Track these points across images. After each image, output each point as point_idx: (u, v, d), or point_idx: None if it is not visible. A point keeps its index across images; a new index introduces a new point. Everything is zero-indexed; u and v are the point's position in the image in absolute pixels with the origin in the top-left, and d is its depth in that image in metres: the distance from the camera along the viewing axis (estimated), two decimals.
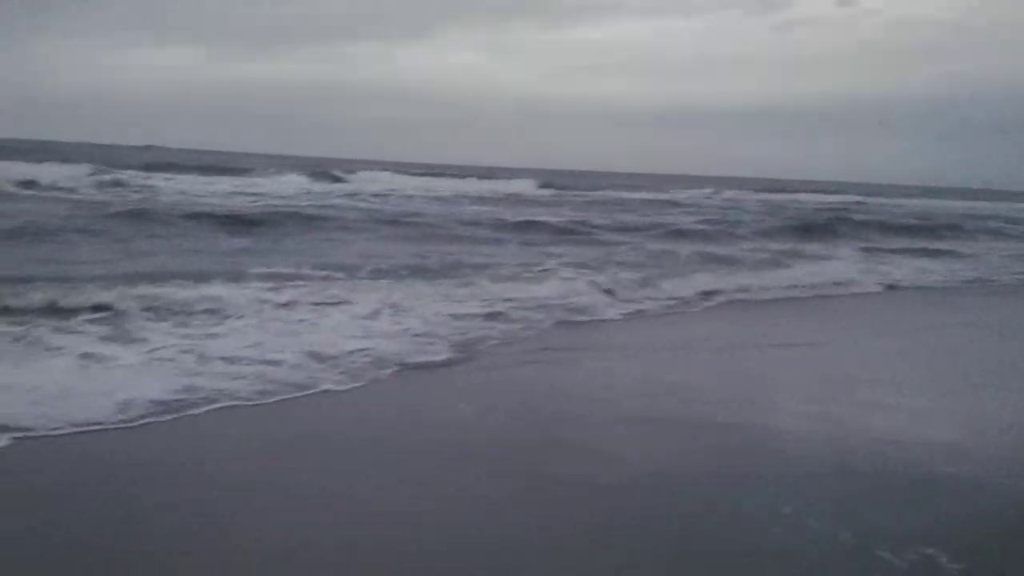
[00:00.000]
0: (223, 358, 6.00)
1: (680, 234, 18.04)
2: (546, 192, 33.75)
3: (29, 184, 20.98)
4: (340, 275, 9.64)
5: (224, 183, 26.33)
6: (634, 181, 52.89)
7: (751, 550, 3.31)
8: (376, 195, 25.48)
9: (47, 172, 23.95)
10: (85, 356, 5.81)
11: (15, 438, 4.14)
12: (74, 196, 19.39)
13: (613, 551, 3.25)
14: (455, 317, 7.94)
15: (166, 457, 4.12)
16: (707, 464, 4.28)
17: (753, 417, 5.14)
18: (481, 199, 27.83)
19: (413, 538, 3.33)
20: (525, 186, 34.83)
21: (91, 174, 24.09)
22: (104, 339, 6.37)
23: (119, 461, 4.05)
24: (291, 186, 27.38)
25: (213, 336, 6.70)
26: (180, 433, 4.46)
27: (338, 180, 31.42)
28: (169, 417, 4.62)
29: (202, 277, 8.73)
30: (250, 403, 5.02)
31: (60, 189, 20.44)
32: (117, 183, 22.20)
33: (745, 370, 6.61)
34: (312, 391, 5.30)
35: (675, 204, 30.82)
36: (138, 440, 4.30)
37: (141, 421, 4.53)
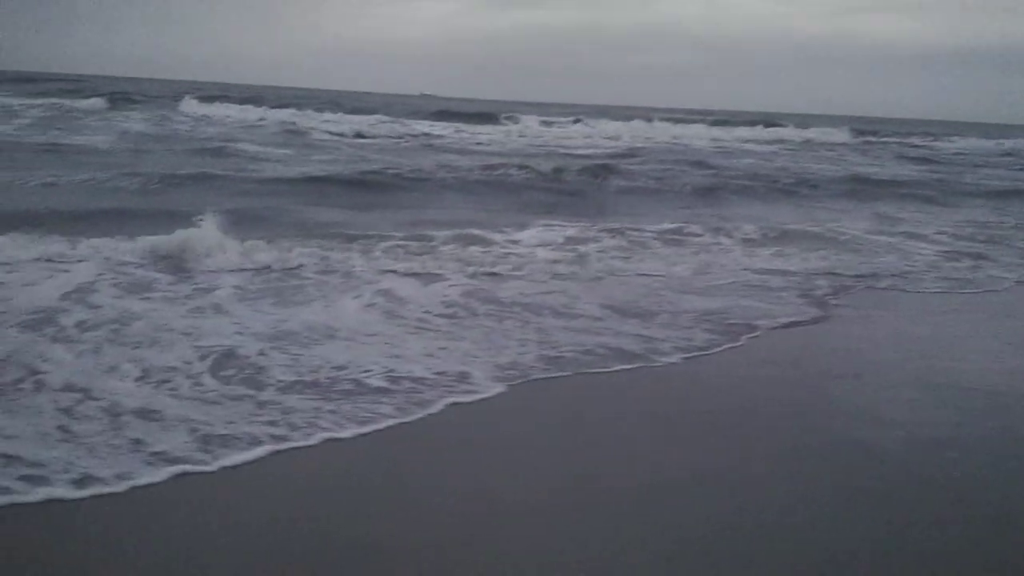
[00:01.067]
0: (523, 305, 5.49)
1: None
2: (858, 141, 30.47)
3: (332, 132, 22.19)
4: (639, 227, 8.90)
5: (493, 132, 26.18)
6: (930, 129, 46.57)
7: None
8: (667, 144, 24.15)
9: (366, 123, 25.32)
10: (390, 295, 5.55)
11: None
12: (369, 142, 20.15)
13: (893, 516, 3.04)
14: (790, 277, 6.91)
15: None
16: (994, 434, 3.89)
17: None
18: (806, 147, 25.53)
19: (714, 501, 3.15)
20: (840, 136, 31.61)
21: (381, 123, 25.31)
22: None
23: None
24: (574, 137, 26.57)
25: (502, 279, 6.32)
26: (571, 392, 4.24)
27: (605, 128, 30.14)
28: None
29: (496, 224, 8.47)
30: (603, 370, 4.49)
31: (363, 138, 21.34)
32: (409, 134, 23.00)
33: None
34: (688, 355, 4.76)
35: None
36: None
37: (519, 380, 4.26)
